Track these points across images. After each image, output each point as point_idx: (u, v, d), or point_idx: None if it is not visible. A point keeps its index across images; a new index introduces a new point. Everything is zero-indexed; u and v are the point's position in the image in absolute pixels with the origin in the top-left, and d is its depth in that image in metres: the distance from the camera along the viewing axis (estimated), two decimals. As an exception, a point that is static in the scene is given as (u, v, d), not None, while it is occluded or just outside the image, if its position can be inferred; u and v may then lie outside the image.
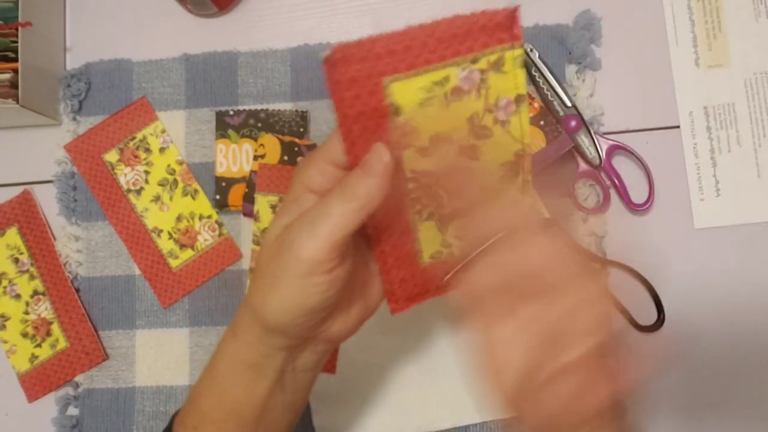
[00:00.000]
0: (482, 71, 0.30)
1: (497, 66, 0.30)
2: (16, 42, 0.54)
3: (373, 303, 0.38)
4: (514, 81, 0.30)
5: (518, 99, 0.31)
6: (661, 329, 0.54)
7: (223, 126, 0.57)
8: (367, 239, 0.36)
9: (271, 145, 0.56)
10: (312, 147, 0.56)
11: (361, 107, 0.31)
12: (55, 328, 0.58)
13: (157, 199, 0.58)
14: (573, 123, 0.54)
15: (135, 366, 0.57)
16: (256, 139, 0.57)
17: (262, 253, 0.34)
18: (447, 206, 0.34)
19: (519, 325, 0.31)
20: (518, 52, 0.30)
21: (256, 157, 0.56)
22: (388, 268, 0.37)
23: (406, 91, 0.30)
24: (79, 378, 0.58)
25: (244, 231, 0.58)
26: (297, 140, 0.57)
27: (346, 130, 0.32)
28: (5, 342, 0.58)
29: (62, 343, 0.57)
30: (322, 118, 0.58)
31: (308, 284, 0.32)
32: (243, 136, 0.57)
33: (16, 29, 0.54)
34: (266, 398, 0.36)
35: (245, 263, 0.57)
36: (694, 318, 0.54)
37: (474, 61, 0.30)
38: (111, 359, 0.58)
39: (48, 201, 0.60)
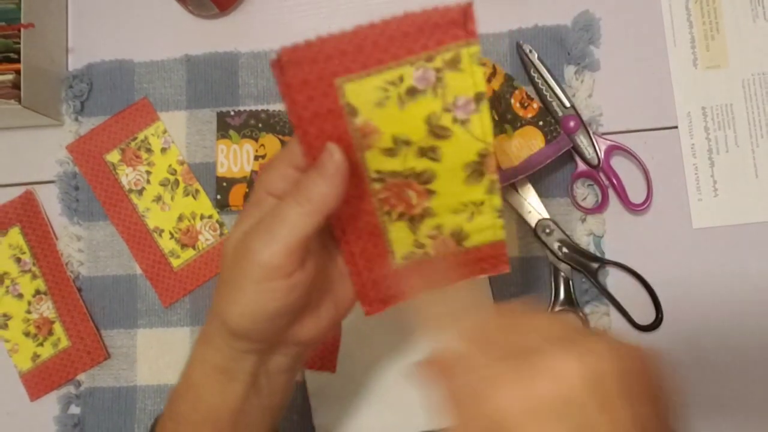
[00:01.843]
0: (438, 70, 0.29)
1: (453, 64, 0.29)
2: (19, 43, 0.55)
3: (344, 304, 0.37)
4: (473, 79, 0.29)
5: (478, 97, 0.29)
6: (659, 328, 0.54)
7: (224, 126, 0.58)
8: (336, 240, 0.35)
9: (272, 145, 0.56)
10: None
11: (315, 109, 0.30)
12: (57, 328, 0.58)
13: (158, 199, 0.58)
14: (572, 123, 0.54)
15: (136, 365, 0.58)
16: (256, 140, 0.57)
17: (225, 259, 0.34)
18: (417, 206, 0.34)
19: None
20: (475, 48, 0.29)
21: (256, 158, 0.56)
22: (359, 269, 0.36)
23: (360, 92, 0.30)
24: (80, 377, 0.58)
25: (245, 231, 0.58)
26: (297, 140, 0.57)
27: (302, 133, 0.31)
28: (7, 341, 0.58)
29: (64, 342, 0.58)
30: (323, 118, 0.58)
31: (267, 290, 0.32)
32: (244, 136, 0.57)
33: (19, 30, 0.55)
34: (241, 401, 0.36)
35: (246, 263, 0.58)
36: (692, 318, 0.54)
37: (429, 60, 0.29)
38: (112, 358, 0.58)
39: (50, 201, 0.60)
